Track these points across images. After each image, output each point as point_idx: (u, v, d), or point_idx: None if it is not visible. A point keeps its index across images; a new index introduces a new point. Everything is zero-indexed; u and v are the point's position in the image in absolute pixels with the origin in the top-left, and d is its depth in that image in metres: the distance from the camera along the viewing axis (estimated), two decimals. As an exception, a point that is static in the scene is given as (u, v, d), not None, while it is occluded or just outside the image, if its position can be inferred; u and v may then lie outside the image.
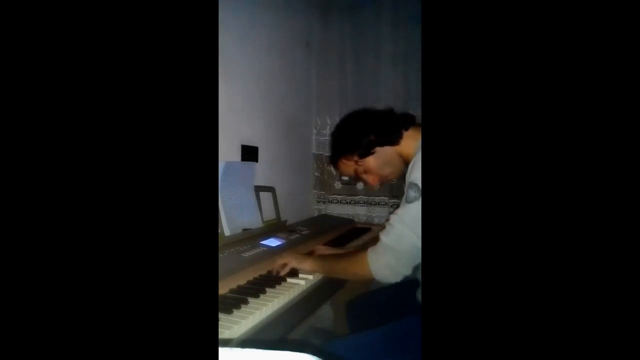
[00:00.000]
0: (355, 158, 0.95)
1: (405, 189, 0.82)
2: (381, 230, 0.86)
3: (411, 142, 0.90)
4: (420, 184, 0.77)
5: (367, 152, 0.93)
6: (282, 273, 0.91)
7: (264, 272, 0.92)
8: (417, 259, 0.80)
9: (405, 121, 0.93)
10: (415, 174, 0.79)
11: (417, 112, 1.67)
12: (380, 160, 0.94)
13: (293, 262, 0.93)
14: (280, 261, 0.94)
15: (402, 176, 0.88)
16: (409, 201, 0.79)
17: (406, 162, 0.90)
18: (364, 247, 0.88)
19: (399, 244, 0.80)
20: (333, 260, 0.95)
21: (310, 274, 0.92)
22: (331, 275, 0.94)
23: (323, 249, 1.14)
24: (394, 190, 1.74)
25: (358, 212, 1.84)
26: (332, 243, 1.26)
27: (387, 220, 0.85)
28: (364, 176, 0.99)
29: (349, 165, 0.99)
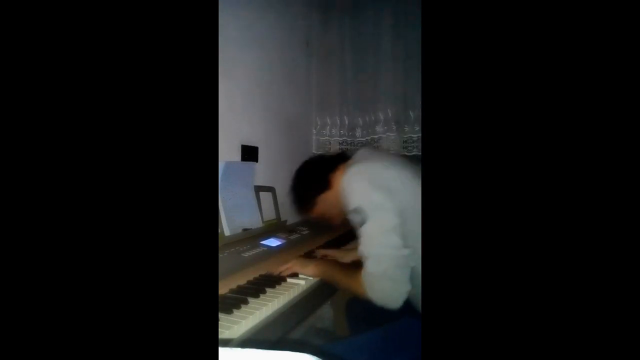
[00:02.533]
0: (306, 213, 1.05)
1: (350, 218, 0.85)
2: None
3: (340, 179, 0.93)
4: (358, 206, 0.81)
5: (307, 208, 1.03)
6: (285, 274, 0.91)
7: (264, 272, 0.92)
8: (406, 266, 0.79)
9: (332, 163, 1.00)
10: (350, 201, 0.84)
11: (417, 112, 1.69)
12: (324, 206, 1.01)
13: (297, 267, 0.94)
14: (285, 265, 0.95)
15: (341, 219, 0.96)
16: (360, 225, 0.82)
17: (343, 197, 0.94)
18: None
19: (382, 265, 0.79)
20: (334, 269, 0.95)
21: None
22: (331, 282, 0.95)
23: (324, 252, 1.14)
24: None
25: (358, 212, 1.83)
26: (332, 243, 1.26)
27: (359, 255, 0.85)
28: (324, 219, 1.07)
29: (307, 215, 1.07)
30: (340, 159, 1.01)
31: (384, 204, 0.80)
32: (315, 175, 1.01)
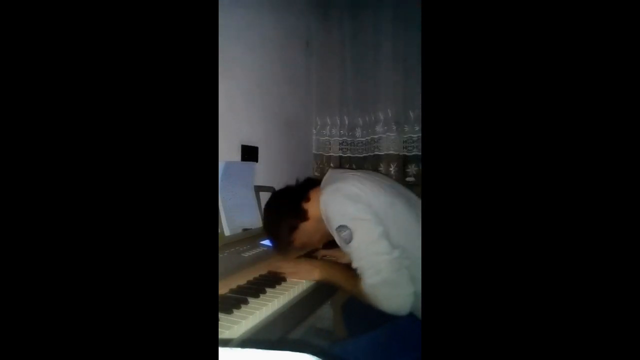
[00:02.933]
0: (287, 248, 1.01)
1: (336, 238, 0.86)
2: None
3: (315, 204, 0.94)
4: (342, 223, 0.83)
5: (286, 245, 1.00)
6: (289, 279, 0.91)
7: (264, 272, 0.92)
8: (403, 268, 0.80)
9: (303, 192, 1.00)
10: (333, 221, 0.85)
11: (417, 112, 1.69)
12: (303, 238, 1.00)
13: (302, 274, 0.93)
14: (290, 269, 0.94)
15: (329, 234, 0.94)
16: (348, 240, 0.83)
17: (323, 225, 0.94)
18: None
19: (380, 275, 0.79)
20: (343, 277, 0.94)
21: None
22: (337, 285, 0.95)
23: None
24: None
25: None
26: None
27: (355, 270, 0.85)
28: (306, 247, 1.07)
29: (289, 249, 1.04)
30: (309, 186, 1.02)
31: (365, 216, 0.82)
32: (288, 209, 0.99)
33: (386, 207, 0.85)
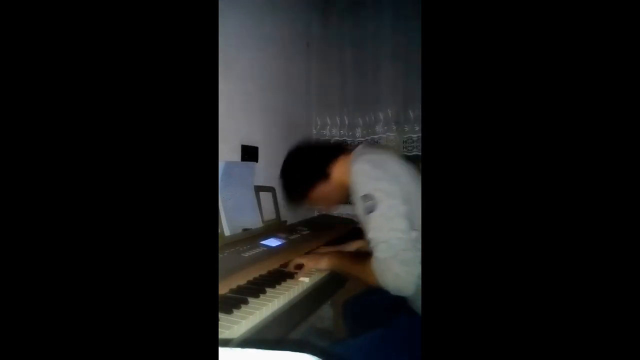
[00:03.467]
0: (298, 202, 1.05)
1: (358, 207, 0.86)
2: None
3: (342, 169, 0.95)
4: (369, 193, 0.83)
5: (304, 196, 1.02)
6: (299, 276, 0.91)
7: (264, 272, 0.92)
8: (416, 249, 0.80)
9: (332, 153, 1.01)
10: (361, 188, 0.85)
11: (417, 112, 1.69)
12: (319, 196, 1.01)
13: (310, 264, 0.95)
14: (297, 261, 0.96)
15: (347, 201, 0.96)
16: (369, 210, 0.83)
17: (344, 187, 0.95)
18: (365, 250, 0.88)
19: (392, 249, 0.80)
20: (345, 260, 0.97)
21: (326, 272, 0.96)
22: (343, 273, 0.97)
23: (324, 250, 1.14)
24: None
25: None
26: (332, 243, 1.26)
27: (367, 241, 0.86)
28: (316, 207, 1.09)
29: (299, 204, 1.08)
30: (340, 150, 1.02)
31: (393, 191, 0.82)
32: (313, 165, 1.00)
33: (416, 190, 0.86)
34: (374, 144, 1.74)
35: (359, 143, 1.83)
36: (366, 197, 0.83)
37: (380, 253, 0.81)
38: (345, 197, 0.96)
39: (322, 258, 0.98)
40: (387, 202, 0.82)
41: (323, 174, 0.99)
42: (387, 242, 0.80)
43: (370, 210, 0.82)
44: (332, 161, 0.99)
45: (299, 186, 1.02)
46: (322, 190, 1.00)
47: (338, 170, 0.98)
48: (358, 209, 0.87)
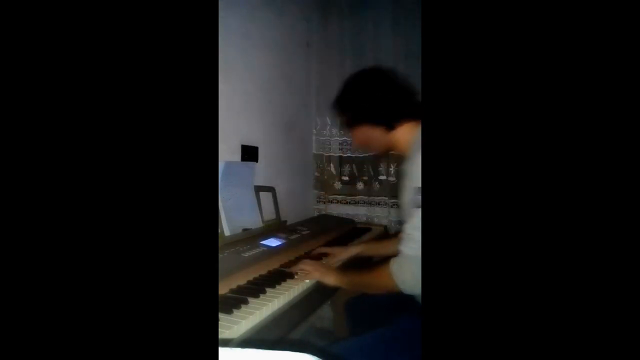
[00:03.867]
0: (345, 119, 0.95)
1: (407, 194, 0.82)
2: (397, 241, 0.84)
3: (405, 135, 0.89)
4: None
5: (355, 121, 0.93)
6: (301, 278, 0.90)
7: (264, 272, 0.92)
8: None
9: (410, 111, 0.90)
10: (417, 179, 0.78)
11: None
12: (366, 134, 0.93)
13: (316, 275, 0.91)
14: (301, 266, 0.94)
15: (385, 154, 0.87)
16: (417, 206, 0.78)
17: (391, 149, 0.89)
18: (386, 260, 0.86)
19: (419, 251, 0.78)
20: (356, 275, 0.93)
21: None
22: (355, 289, 0.94)
23: (334, 250, 1.14)
24: (394, 190, 1.74)
25: (358, 212, 1.84)
26: (333, 243, 1.26)
27: (402, 230, 0.84)
28: (355, 138, 0.99)
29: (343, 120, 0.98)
30: (414, 113, 0.90)
31: None
32: (388, 106, 0.88)
33: None
34: None
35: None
36: (420, 191, 0.77)
37: (409, 250, 0.80)
38: (385, 154, 0.90)
39: (329, 273, 0.93)
40: None
41: (389, 120, 0.89)
42: (418, 241, 0.78)
43: (418, 205, 0.78)
44: (405, 117, 0.89)
45: (354, 114, 0.91)
46: (372, 132, 0.91)
47: (400, 133, 0.89)
48: (406, 196, 0.82)
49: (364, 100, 0.91)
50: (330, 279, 0.91)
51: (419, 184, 0.76)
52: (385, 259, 0.87)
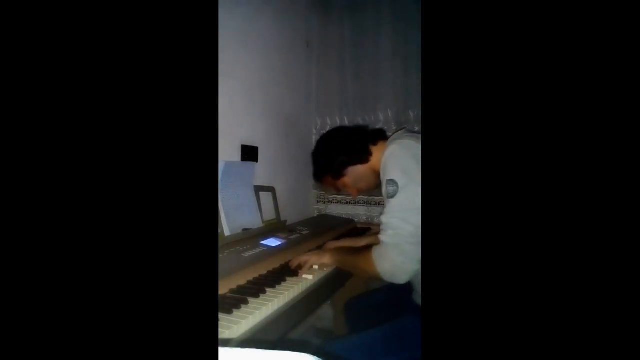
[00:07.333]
0: (329, 179, 1.04)
1: (383, 189, 0.87)
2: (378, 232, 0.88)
3: (379, 155, 0.94)
4: (395, 178, 0.83)
5: (339, 174, 1.01)
6: (303, 272, 0.93)
7: (264, 272, 0.92)
8: (419, 245, 0.80)
9: (374, 137, 1.00)
10: (388, 172, 0.84)
11: (417, 112, 1.69)
12: (353, 177, 1.01)
13: (314, 259, 0.97)
14: (301, 258, 0.97)
15: (376, 187, 0.95)
16: (390, 196, 0.83)
17: (377, 174, 0.94)
18: (373, 244, 0.90)
19: (398, 238, 0.81)
20: (346, 255, 0.98)
21: (329, 267, 0.98)
22: (344, 268, 0.98)
23: (333, 244, 1.15)
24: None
25: (358, 212, 1.84)
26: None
27: (380, 222, 0.87)
28: (344, 189, 1.07)
29: (328, 182, 1.07)
30: (380, 135, 1.02)
31: (419, 182, 0.81)
32: (354, 144, 0.99)
33: None
34: (416, 132, 1.72)
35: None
36: (391, 182, 0.83)
37: (386, 238, 0.83)
38: (377, 183, 0.96)
39: (325, 253, 0.99)
40: (409, 193, 0.82)
41: (362, 154, 0.98)
42: (395, 229, 0.82)
43: (391, 195, 0.83)
44: (372, 143, 0.99)
45: (335, 166, 1.00)
46: (355, 172, 1.00)
47: (376, 155, 0.97)
48: (383, 192, 0.88)
49: (330, 158, 1.01)
50: (326, 259, 0.97)
51: (390, 177, 0.84)
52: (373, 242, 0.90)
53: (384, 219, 0.85)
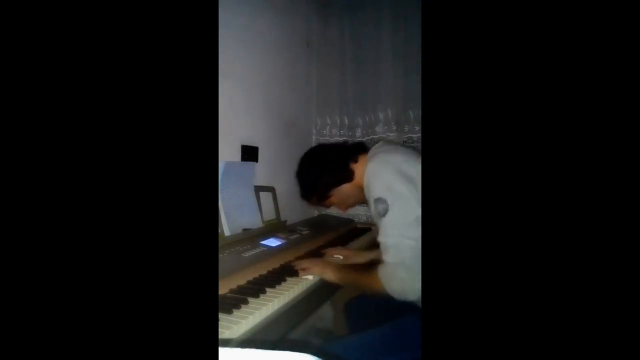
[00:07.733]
0: (316, 200, 1.03)
1: (372, 208, 0.85)
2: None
3: (362, 169, 0.93)
4: (382, 196, 0.81)
5: (324, 196, 1.00)
6: (302, 273, 0.91)
7: (264, 272, 0.92)
8: None
9: (354, 153, 0.98)
10: (373, 191, 0.83)
11: (417, 112, 1.69)
12: (339, 197, 1.00)
13: (316, 270, 0.93)
14: (303, 264, 0.95)
15: (364, 201, 0.93)
16: (382, 215, 0.82)
17: (362, 187, 0.93)
18: (376, 260, 0.88)
19: (400, 255, 0.80)
20: (350, 273, 0.95)
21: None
22: (350, 287, 0.96)
23: (334, 252, 1.14)
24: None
25: (358, 212, 1.84)
26: (333, 243, 1.26)
27: (379, 242, 0.85)
28: (334, 206, 1.07)
29: (315, 203, 1.06)
30: (360, 149, 1.00)
31: (408, 195, 0.81)
32: (335, 164, 0.98)
33: None
34: (394, 142, 1.72)
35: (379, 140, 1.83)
36: (379, 201, 0.82)
37: (389, 258, 0.81)
38: (362, 199, 0.95)
39: (328, 268, 0.94)
40: (400, 207, 0.80)
41: (344, 174, 0.97)
42: (396, 247, 0.80)
43: (382, 214, 0.81)
44: (353, 160, 0.97)
45: (319, 187, 0.99)
46: (342, 191, 0.99)
47: (358, 170, 0.96)
48: (372, 211, 0.86)
49: (313, 181, 1.00)
50: (329, 275, 0.93)
51: (376, 195, 0.82)
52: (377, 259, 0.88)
53: (382, 239, 0.83)
